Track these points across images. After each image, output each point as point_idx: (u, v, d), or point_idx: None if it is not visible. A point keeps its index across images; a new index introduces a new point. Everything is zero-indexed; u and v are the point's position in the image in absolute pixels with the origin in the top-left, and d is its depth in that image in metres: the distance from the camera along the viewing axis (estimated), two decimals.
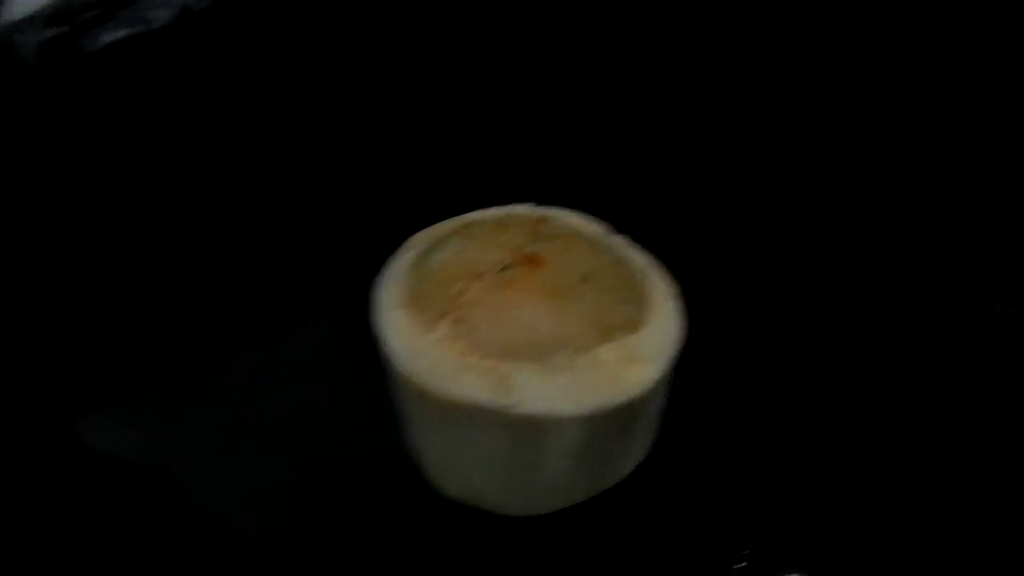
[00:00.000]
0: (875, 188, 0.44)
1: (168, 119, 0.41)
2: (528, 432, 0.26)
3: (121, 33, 0.36)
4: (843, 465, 0.33)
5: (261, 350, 0.38)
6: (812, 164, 0.46)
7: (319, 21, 0.44)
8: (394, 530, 0.31)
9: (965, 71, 0.40)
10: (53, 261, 0.40)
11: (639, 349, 0.27)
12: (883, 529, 0.31)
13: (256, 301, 0.41)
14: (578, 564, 0.30)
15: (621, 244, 0.31)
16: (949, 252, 0.42)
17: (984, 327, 0.39)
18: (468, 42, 0.49)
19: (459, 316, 0.27)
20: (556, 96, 0.50)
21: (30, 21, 0.35)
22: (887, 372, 0.37)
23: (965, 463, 0.33)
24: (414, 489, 0.31)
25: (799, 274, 0.42)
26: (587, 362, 0.26)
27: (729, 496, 0.32)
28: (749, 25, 0.45)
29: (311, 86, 0.45)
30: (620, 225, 0.33)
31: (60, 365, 0.37)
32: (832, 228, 0.44)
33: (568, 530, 0.30)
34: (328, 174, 0.47)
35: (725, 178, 0.47)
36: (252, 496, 0.32)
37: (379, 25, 0.46)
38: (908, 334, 0.39)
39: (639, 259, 0.31)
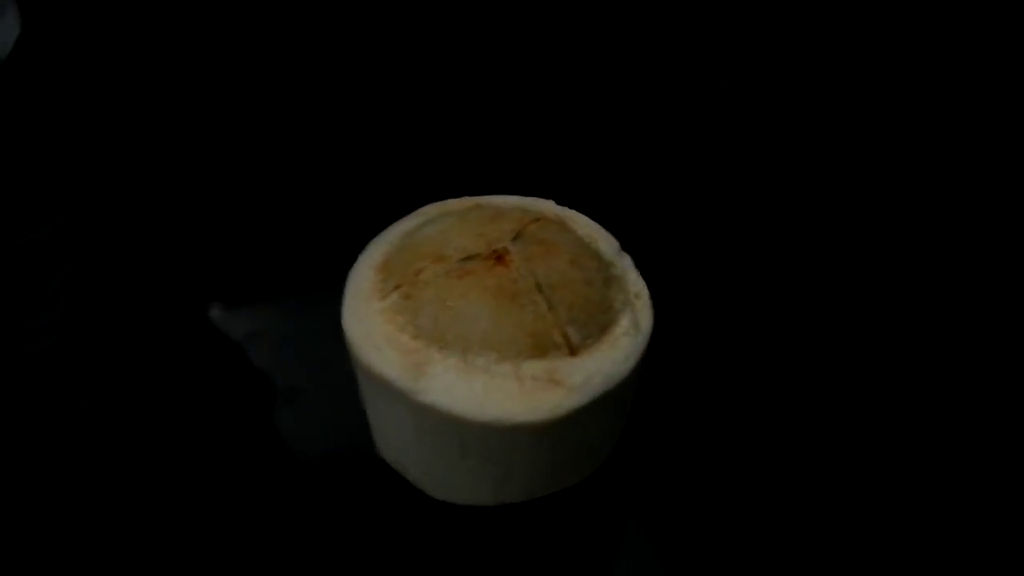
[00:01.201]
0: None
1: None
2: (429, 421, 0.26)
3: None
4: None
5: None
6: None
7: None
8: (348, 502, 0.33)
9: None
10: None
11: (565, 375, 0.26)
12: (853, 528, 0.31)
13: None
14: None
15: (617, 266, 0.30)
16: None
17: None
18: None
19: (408, 292, 0.27)
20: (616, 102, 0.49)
21: None
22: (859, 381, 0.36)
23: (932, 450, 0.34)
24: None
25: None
26: (506, 371, 0.25)
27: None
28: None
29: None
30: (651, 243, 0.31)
31: None
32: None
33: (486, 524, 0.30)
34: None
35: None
36: None
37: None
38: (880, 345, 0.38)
39: (626, 286, 0.29)
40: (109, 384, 0.37)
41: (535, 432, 0.26)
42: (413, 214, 0.32)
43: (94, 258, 0.45)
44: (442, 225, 0.30)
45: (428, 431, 0.27)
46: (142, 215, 0.45)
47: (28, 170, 0.49)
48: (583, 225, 0.31)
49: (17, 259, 0.49)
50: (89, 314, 0.40)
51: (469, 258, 0.28)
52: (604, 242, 0.31)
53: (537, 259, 0.28)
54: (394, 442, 0.29)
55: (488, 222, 0.29)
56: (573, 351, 0.26)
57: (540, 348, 0.26)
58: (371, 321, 0.27)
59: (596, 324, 0.27)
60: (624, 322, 0.28)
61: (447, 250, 0.28)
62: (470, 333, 0.26)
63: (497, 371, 0.25)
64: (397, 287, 0.28)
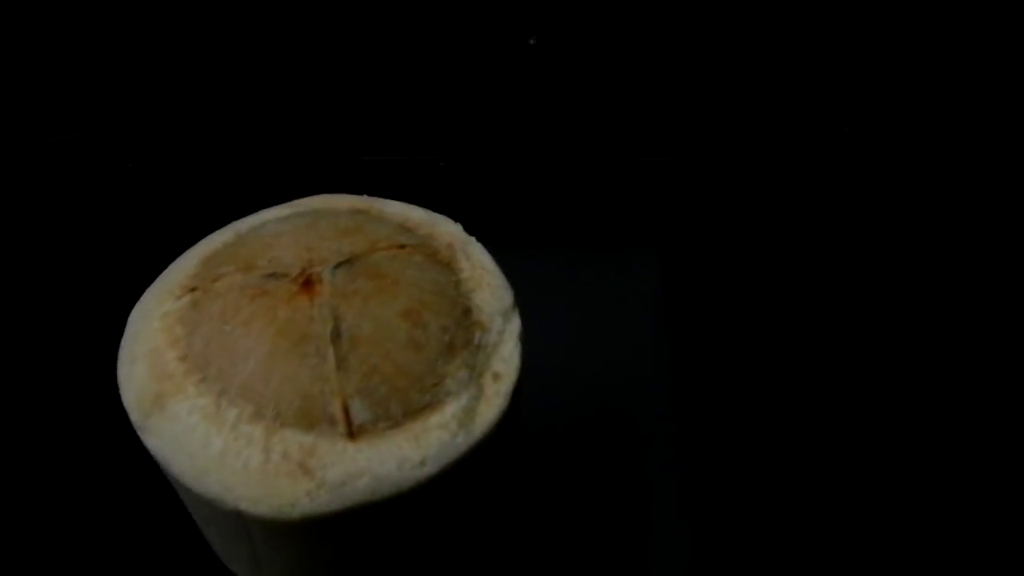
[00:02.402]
0: None
1: None
2: (157, 464, 0.20)
3: None
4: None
5: None
6: None
7: None
8: None
9: None
10: None
11: (323, 464, 0.19)
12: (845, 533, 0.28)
13: None
14: None
15: (489, 331, 0.22)
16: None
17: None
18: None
19: (198, 300, 0.22)
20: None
21: None
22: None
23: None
24: None
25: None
26: (254, 436, 0.19)
27: None
28: None
29: None
30: None
31: None
32: None
33: None
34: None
35: None
36: None
37: None
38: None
39: (486, 361, 0.22)
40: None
41: (264, 527, 0.19)
42: (289, 204, 0.26)
43: (124, 168, 0.45)
44: (287, 226, 0.23)
45: (163, 474, 0.21)
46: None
47: (68, 70, 0.49)
48: (473, 266, 0.24)
49: (49, 158, 0.49)
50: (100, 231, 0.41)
51: (274, 275, 0.21)
52: (490, 294, 0.23)
53: (356, 298, 0.21)
54: None
55: (335, 234, 0.23)
56: (351, 434, 0.19)
57: (307, 417, 0.19)
58: (151, 323, 0.22)
59: (401, 404, 0.20)
60: (449, 411, 0.20)
61: (262, 259, 0.22)
62: (234, 372, 0.20)
63: (244, 431, 0.19)
64: (193, 289, 0.22)
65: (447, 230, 0.25)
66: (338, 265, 0.21)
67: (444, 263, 0.23)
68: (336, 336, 0.20)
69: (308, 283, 0.21)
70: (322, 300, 0.20)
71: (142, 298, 0.23)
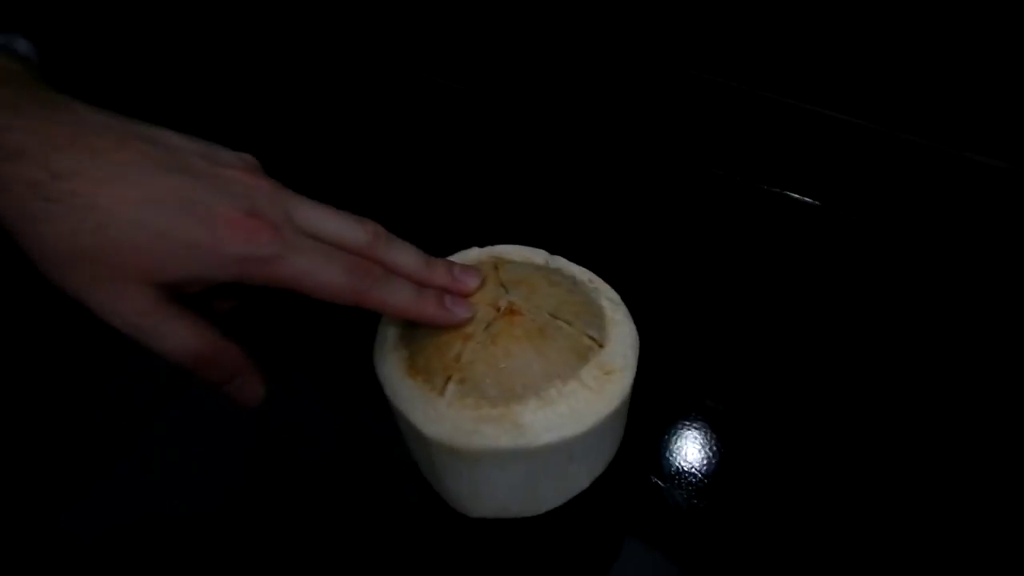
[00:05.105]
0: None
1: None
2: (543, 455, 0.31)
3: None
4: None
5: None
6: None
7: None
8: (416, 550, 0.37)
9: None
10: None
11: (610, 363, 0.33)
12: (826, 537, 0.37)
13: None
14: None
15: (563, 265, 0.37)
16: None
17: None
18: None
19: (463, 377, 0.31)
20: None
21: None
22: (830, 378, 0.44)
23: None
24: (435, 510, 0.36)
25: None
26: (574, 387, 0.31)
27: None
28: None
29: None
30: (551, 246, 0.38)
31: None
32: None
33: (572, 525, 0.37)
34: None
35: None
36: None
37: None
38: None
39: (581, 275, 0.36)
40: None
41: (617, 413, 0.32)
42: (383, 322, 0.35)
43: None
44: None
45: (543, 464, 0.32)
46: None
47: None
48: (515, 250, 0.37)
49: None
50: None
51: (489, 325, 0.32)
52: (538, 254, 0.37)
53: (531, 296, 0.33)
54: (498, 494, 0.34)
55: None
56: (601, 343, 0.33)
57: (581, 355, 0.32)
58: (449, 417, 0.31)
59: (596, 316, 0.34)
60: (605, 304, 0.35)
61: (466, 328, 0.32)
62: (531, 377, 0.31)
63: (567, 390, 0.31)
64: (448, 379, 0.31)
65: (479, 254, 0.37)
66: (506, 292, 0.33)
67: (516, 261, 0.36)
68: (553, 315, 0.33)
69: (510, 311, 0.32)
70: (525, 310, 0.32)
71: (412, 415, 0.31)
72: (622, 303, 0.36)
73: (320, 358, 0.45)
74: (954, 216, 0.50)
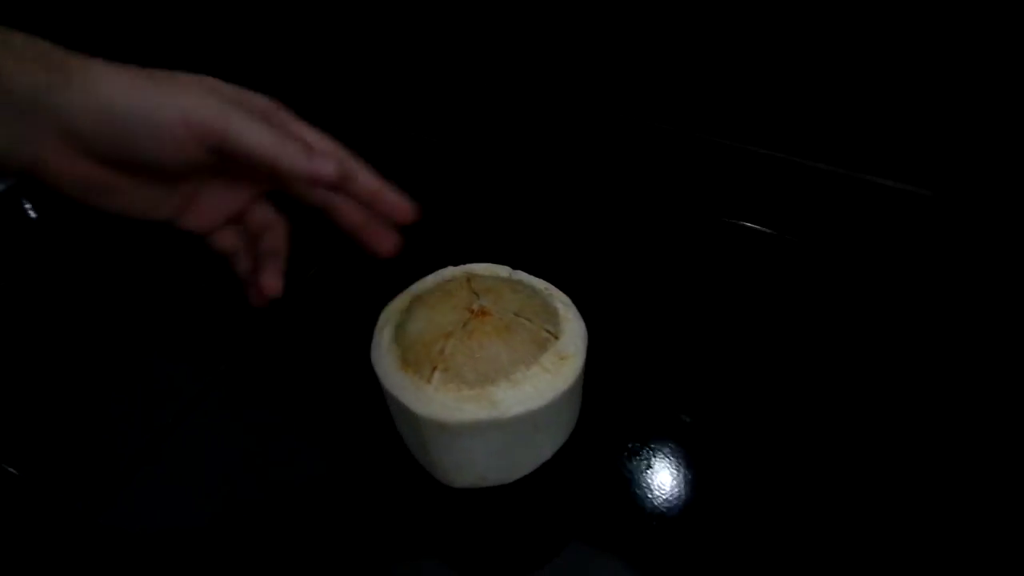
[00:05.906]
0: None
1: None
2: (514, 425, 0.39)
3: None
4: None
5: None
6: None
7: None
8: (410, 518, 0.43)
9: None
10: None
11: (565, 350, 0.40)
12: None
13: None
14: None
15: (524, 278, 0.45)
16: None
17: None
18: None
19: (446, 366, 0.39)
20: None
21: None
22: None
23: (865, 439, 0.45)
24: (425, 485, 0.43)
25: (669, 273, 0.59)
26: (536, 371, 0.39)
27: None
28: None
29: None
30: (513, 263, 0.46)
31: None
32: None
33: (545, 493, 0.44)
34: None
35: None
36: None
37: None
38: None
39: (539, 285, 0.44)
40: None
41: (571, 390, 0.40)
42: (379, 323, 0.42)
43: None
44: (420, 318, 0.41)
45: (516, 433, 0.39)
46: None
47: None
48: (483, 267, 0.45)
49: None
50: None
51: (465, 324, 0.40)
52: (502, 269, 0.45)
53: (499, 299, 0.41)
54: (478, 463, 0.41)
55: (446, 298, 0.42)
56: (556, 335, 0.41)
57: (541, 345, 0.40)
58: (436, 399, 0.38)
59: (551, 314, 0.42)
60: (559, 306, 0.43)
61: (446, 328, 0.40)
62: (501, 364, 0.39)
63: (531, 373, 0.39)
64: (434, 369, 0.39)
65: (455, 271, 0.45)
66: (477, 297, 0.41)
67: (485, 275, 0.44)
68: (517, 314, 0.40)
69: (482, 312, 0.40)
70: (493, 311, 0.40)
71: (404, 399, 0.38)
72: (573, 305, 0.44)
73: (321, 359, 0.52)
74: (887, 240, 0.59)
